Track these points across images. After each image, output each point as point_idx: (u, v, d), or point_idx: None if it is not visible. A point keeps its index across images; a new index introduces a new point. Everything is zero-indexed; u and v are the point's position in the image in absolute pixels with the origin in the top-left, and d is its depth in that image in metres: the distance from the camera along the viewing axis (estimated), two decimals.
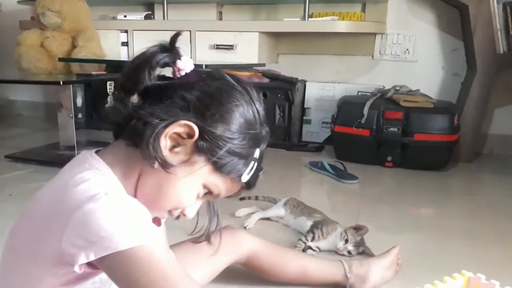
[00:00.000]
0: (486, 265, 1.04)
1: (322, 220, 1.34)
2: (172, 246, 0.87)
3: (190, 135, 0.59)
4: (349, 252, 1.21)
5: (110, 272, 0.54)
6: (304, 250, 1.23)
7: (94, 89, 2.77)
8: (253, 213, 1.47)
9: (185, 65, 0.62)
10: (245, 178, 0.63)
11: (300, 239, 1.26)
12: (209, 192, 0.64)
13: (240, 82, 0.63)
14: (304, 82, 2.63)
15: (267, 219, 1.46)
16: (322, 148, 2.51)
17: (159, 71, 0.62)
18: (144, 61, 0.60)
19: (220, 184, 0.63)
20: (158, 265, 0.53)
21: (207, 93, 0.60)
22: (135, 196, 0.62)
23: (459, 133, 2.16)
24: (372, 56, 2.69)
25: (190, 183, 0.61)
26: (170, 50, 0.61)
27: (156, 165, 0.59)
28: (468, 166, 2.28)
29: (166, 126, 0.58)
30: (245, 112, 0.61)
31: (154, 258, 0.53)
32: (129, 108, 0.60)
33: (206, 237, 0.78)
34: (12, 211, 1.50)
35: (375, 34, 2.64)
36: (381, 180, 2.08)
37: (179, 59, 0.62)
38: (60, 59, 2.54)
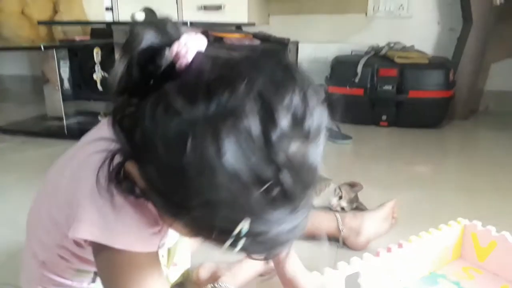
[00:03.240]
0: (482, 215, 1.01)
1: None
2: None
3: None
4: (342, 208, 1.19)
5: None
6: None
7: (80, 59, 2.68)
8: None
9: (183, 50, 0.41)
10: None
11: None
12: None
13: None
14: (296, 43, 2.56)
15: None
16: None
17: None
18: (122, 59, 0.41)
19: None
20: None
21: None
22: None
23: (454, 89, 2.12)
24: (366, 13, 2.61)
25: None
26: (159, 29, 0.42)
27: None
28: (463, 123, 2.25)
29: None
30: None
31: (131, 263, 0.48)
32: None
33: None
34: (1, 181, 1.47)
35: None
36: (375, 139, 2.05)
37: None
38: (40, 23, 2.44)
